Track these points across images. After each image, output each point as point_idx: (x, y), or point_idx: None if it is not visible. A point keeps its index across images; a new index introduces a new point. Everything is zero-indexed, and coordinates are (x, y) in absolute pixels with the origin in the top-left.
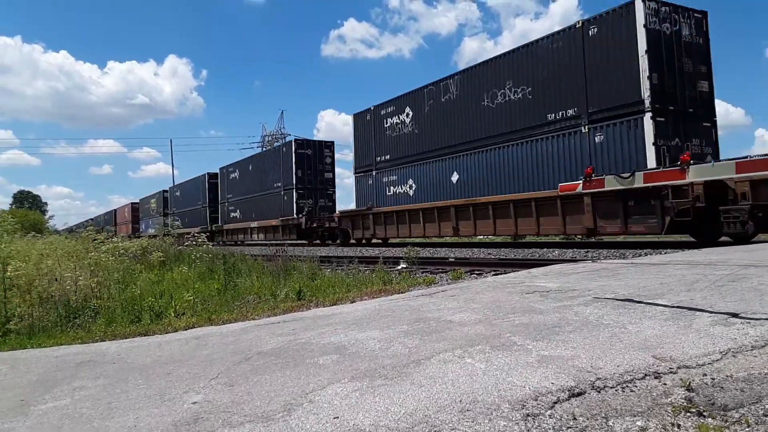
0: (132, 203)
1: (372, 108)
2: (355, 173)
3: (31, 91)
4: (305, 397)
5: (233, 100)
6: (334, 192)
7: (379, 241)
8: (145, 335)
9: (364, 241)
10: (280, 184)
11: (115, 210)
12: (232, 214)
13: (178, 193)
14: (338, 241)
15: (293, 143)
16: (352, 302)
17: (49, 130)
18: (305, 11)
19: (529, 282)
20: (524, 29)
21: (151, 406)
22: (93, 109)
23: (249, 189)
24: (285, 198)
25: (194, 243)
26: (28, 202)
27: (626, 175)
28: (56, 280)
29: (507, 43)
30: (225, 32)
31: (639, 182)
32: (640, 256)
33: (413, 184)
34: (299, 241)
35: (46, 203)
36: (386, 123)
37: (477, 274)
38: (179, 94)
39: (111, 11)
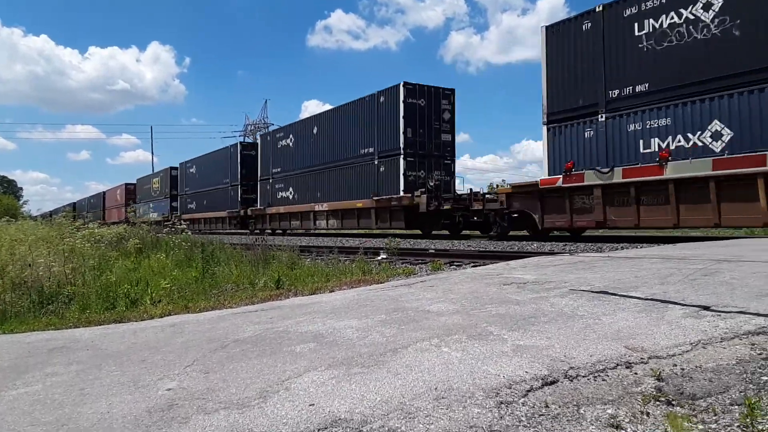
0: (126, 184)
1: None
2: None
3: (10, 75)
4: (281, 384)
5: (216, 88)
6: (453, 162)
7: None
8: (119, 322)
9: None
10: (372, 150)
11: (104, 192)
12: (282, 194)
13: (192, 170)
14: (494, 232)
15: (401, 87)
16: (331, 291)
17: (26, 115)
18: (292, 1)
19: (507, 274)
20: (511, 25)
21: (124, 392)
22: (72, 94)
23: (312, 159)
24: (382, 169)
25: (173, 230)
26: (2, 187)
27: (605, 170)
28: (29, 265)
29: (493, 38)
30: (210, 21)
31: (618, 177)
32: (616, 250)
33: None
34: (410, 231)
35: (21, 188)
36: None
37: (456, 266)
38: (161, 80)
39: None
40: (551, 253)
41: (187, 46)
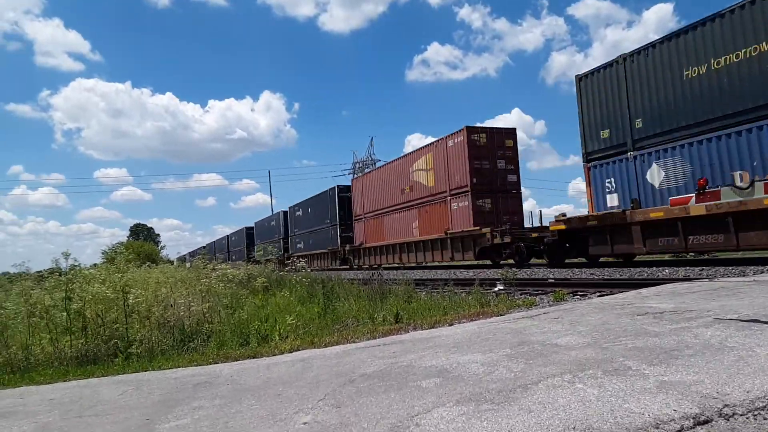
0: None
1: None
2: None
3: (141, 132)
4: (411, 420)
5: (324, 130)
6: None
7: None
8: (253, 357)
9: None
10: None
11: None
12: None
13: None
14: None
15: (465, 131)
16: (450, 325)
17: (158, 167)
18: (388, 40)
19: (640, 303)
20: (616, 39)
21: (264, 426)
22: (196, 145)
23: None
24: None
25: (292, 269)
26: (143, 234)
27: (744, 185)
28: (171, 306)
29: (598, 54)
30: (314, 66)
31: (760, 193)
32: (762, 273)
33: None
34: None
35: (158, 234)
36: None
37: (580, 296)
38: (274, 127)
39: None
40: (687, 279)
41: (295, 92)
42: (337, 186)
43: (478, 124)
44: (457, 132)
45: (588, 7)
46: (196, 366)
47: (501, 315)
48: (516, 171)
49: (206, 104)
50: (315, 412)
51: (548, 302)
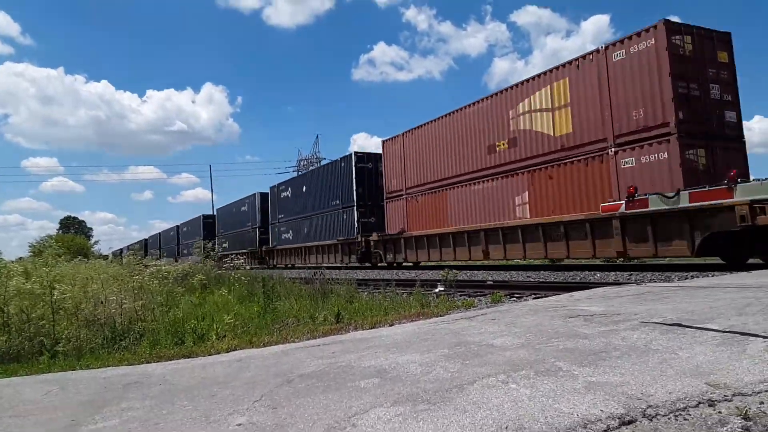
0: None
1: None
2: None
3: (74, 120)
4: (348, 420)
5: (268, 125)
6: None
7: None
8: (188, 357)
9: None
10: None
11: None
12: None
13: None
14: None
15: (353, 156)
16: (390, 325)
17: (91, 158)
18: (334, 37)
19: (572, 306)
20: (555, 47)
21: (197, 427)
22: (133, 136)
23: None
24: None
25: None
26: (74, 228)
27: (671, 194)
28: (102, 302)
29: (538, 62)
30: (258, 60)
31: (684, 202)
32: (686, 278)
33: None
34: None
35: (91, 228)
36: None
37: (517, 298)
38: (216, 120)
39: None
40: (616, 283)
41: (238, 86)
42: (355, 153)
43: (677, 20)
44: (642, 32)
45: (530, 15)
46: (127, 365)
47: (441, 316)
48: (736, 104)
49: (144, 94)
50: (250, 414)
51: (486, 304)
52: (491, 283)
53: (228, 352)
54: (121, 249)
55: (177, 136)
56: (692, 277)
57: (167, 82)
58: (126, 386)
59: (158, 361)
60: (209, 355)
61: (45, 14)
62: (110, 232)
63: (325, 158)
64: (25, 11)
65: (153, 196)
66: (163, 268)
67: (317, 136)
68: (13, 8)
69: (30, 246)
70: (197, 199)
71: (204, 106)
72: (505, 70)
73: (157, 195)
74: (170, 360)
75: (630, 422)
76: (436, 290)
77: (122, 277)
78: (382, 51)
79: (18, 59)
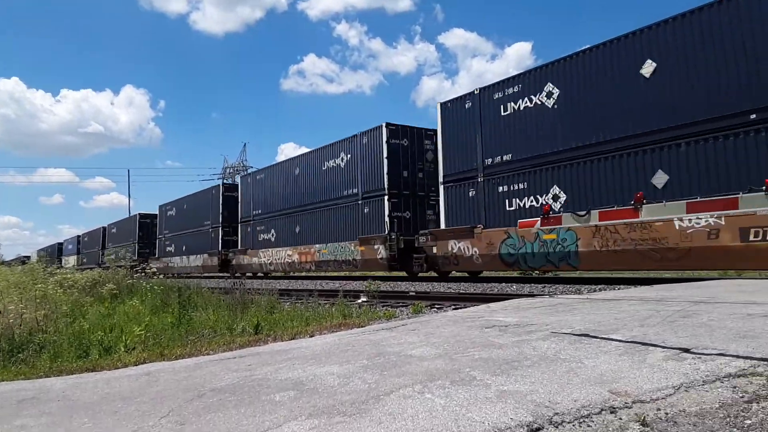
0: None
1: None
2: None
3: None
4: None
5: (192, 131)
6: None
7: None
8: (92, 371)
9: None
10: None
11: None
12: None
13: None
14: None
15: (221, 186)
16: (311, 336)
17: None
18: (263, 46)
19: (489, 316)
20: (480, 70)
21: None
22: (44, 136)
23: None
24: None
25: (145, 275)
26: None
27: (582, 213)
28: (0, 312)
29: (464, 82)
30: (183, 65)
31: (594, 220)
32: (595, 291)
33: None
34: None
35: None
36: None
37: (437, 308)
38: (136, 123)
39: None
40: (531, 295)
41: (161, 90)
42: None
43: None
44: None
45: (457, 38)
46: (24, 380)
47: (362, 327)
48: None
49: (58, 93)
50: (155, 431)
51: (407, 314)
52: (414, 294)
53: (137, 365)
54: (24, 256)
55: (93, 138)
56: (600, 289)
57: (84, 82)
58: (20, 402)
59: (59, 375)
60: (116, 368)
61: None
62: (14, 237)
63: (252, 167)
64: None
65: (63, 200)
66: (69, 276)
67: (245, 144)
68: None
69: None
70: (112, 205)
71: (123, 109)
72: (434, 89)
73: (69, 199)
74: (72, 374)
75: (537, 429)
76: (359, 301)
77: (25, 285)
78: (312, 62)
79: None
